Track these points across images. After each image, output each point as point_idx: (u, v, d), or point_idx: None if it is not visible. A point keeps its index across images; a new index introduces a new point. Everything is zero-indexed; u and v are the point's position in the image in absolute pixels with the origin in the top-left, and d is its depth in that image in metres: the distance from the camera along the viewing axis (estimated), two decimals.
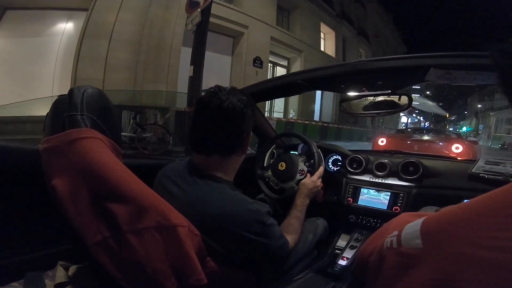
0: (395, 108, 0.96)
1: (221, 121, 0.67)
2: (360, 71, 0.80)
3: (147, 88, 6.57)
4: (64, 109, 0.61)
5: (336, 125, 11.46)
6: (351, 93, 1.01)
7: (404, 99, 0.88)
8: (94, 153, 0.55)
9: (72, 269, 0.66)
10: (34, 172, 0.61)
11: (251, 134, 0.76)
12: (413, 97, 0.93)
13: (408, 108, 0.89)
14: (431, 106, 27.69)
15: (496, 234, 0.23)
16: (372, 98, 0.98)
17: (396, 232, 0.32)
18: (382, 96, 0.97)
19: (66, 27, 6.65)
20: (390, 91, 0.89)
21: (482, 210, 0.25)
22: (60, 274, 0.64)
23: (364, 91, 0.96)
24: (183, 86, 6.08)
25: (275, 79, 1.11)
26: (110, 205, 0.52)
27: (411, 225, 0.30)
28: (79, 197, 0.54)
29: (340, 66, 0.89)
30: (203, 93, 0.71)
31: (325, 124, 10.88)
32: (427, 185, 1.09)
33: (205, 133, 0.68)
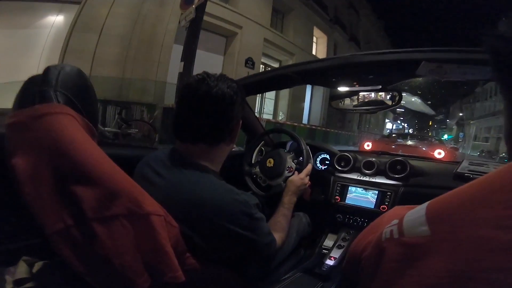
0: (388, 103, 0.95)
1: (209, 108, 0.62)
2: (352, 64, 0.79)
3: (135, 84, 6.42)
4: (37, 84, 0.54)
5: (324, 128, 11.61)
6: (342, 89, 1.00)
7: (394, 94, 0.87)
8: (63, 130, 0.48)
9: (38, 265, 0.59)
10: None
11: (240, 123, 0.72)
12: (405, 95, 0.92)
13: (398, 104, 0.89)
14: (418, 104, 28.15)
15: None
16: (361, 97, 0.98)
17: (396, 221, 0.28)
18: (372, 94, 0.97)
19: (56, 19, 6.48)
20: (380, 86, 0.88)
21: (496, 187, 0.22)
22: (21, 269, 0.56)
23: (355, 86, 0.95)
24: (172, 84, 5.99)
25: (268, 71, 1.09)
26: (75, 188, 0.46)
27: (414, 211, 0.27)
28: (40, 177, 0.47)
29: (332, 59, 0.87)
30: (189, 79, 0.66)
31: (313, 127, 10.99)
32: (414, 184, 1.09)
33: (192, 120, 0.63)
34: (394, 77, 0.86)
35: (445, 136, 27.51)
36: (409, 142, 5.54)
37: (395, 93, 0.86)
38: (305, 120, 12.48)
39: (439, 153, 4.58)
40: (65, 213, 0.46)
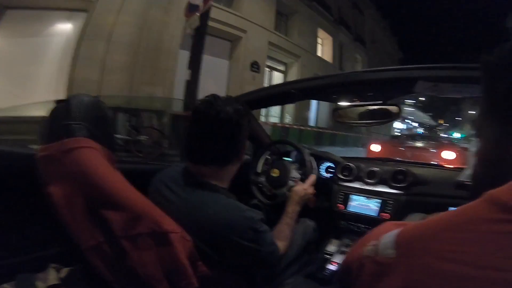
0: (387, 117, 0.98)
1: (217, 133, 0.68)
2: (352, 82, 0.82)
3: (143, 90, 6.55)
4: (60, 116, 0.63)
5: (331, 131, 11.54)
6: (343, 103, 1.03)
7: (394, 109, 0.91)
8: (90, 163, 0.58)
9: (64, 272, 0.68)
10: (25, 175, 0.63)
11: (247, 144, 0.77)
12: (406, 108, 0.95)
13: (398, 119, 0.92)
14: (422, 117, 28.74)
15: (454, 248, 0.25)
16: (363, 110, 1.01)
17: (374, 242, 0.34)
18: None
19: (65, 27, 6.62)
20: (381, 101, 0.91)
21: (446, 226, 0.27)
22: (52, 276, 0.65)
23: (355, 101, 0.98)
24: (180, 89, 6.07)
25: (270, 88, 1.14)
26: (104, 212, 0.55)
27: (388, 235, 0.32)
28: (74, 203, 0.57)
29: (333, 77, 0.91)
30: (198, 102, 0.72)
31: (320, 130, 10.93)
32: (415, 192, 1.12)
33: (202, 144, 0.70)
34: (393, 94, 0.90)
35: (456, 135, 26.94)
36: (418, 144, 5.44)
37: (395, 107, 0.90)
38: (312, 122, 12.44)
39: (449, 155, 4.51)
40: (96, 232, 0.56)
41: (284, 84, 1.06)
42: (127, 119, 4.65)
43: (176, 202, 0.69)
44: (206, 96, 0.72)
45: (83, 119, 0.63)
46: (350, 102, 1.00)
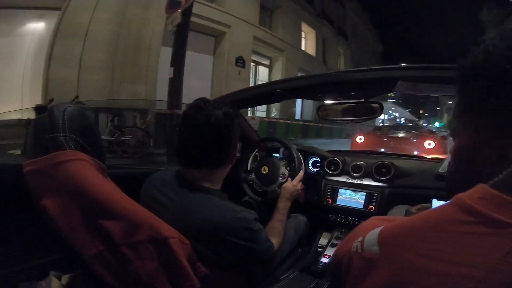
0: (370, 114, 1.01)
1: (208, 137, 0.68)
2: (335, 83, 0.85)
3: (125, 88, 6.38)
4: (44, 129, 0.61)
5: (316, 124, 11.73)
6: (328, 101, 1.06)
7: (376, 107, 0.94)
8: (82, 175, 0.58)
9: (65, 278, 0.68)
10: (18, 186, 0.62)
11: (237, 146, 0.78)
12: (389, 104, 0.98)
13: (379, 116, 0.96)
14: (404, 112, 30.45)
15: (429, 246, 0.28)
16: (347, 106, 1.04)
17: (360, 238, 0.36)
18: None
19: (37, 27, 6.32)
20: (363, 100, 0.94)
21: (422, 225, 0.30)
22: (54, 284, 0.65)
23: (339, 100, 1.01)
24: (162, 86, 5.95)
25: (256, 87, 1.15)
26: (103, 222, 0.56)
27: (372, 233, 0.35)
28: (71, 216, 0.57)
29: (317, 77, 0.93)
30: (187, 107, 0.71)
31: (306, 123, 11.07)
32: (398, 185, 1.17)
33: (193, 148, 0.70)
34: (375, 92, 0.93)
35: (436, 124, 28.11)
36: (401, 134, 5.64)
37: (377, 105, 0.93)
38: (298, 115, 12.57)
39: (429, 144, 4.70)
40: (96, 241, 0.56)
41: (270, 83, 1.07)
42: (109, 119, 4.51)
43: (170, 206, 0.70)
44: (195, 100, 0.72)
45: (69, 130, 0.61)
46: (334, 100, 1.03)
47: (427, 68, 0.74)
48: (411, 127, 7.54)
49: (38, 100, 5.61)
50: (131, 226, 0.56)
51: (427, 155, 3.24)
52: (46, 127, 0.61)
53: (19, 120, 4.71)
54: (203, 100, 0.71)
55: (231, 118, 0.70)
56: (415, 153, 4.47)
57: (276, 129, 9.00)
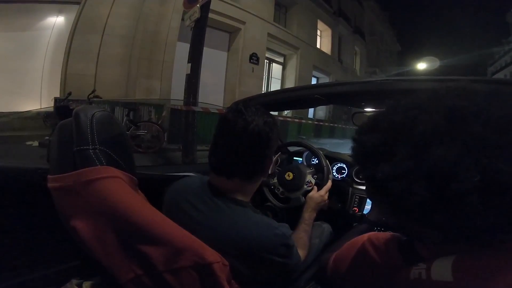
0: None
1: (246, 145, 0.64)
2: (385, 91, 0.76)
3: (141, 83, 6.44)
4: (70, 137, 0.55)
5: (329, 124, 11.54)
6: (367, 109, 0.99)
7: None
8: (118, 196, 0.53)
9: (86, 285, 0.65)
10: (37, 191, 0.58)
11: (273, 158, 0.73)
12: None
13: None
14: None
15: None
16: None
17: (424, 266, 0.38)
18: None
19: (57, 21, 6.45)
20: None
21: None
22: None
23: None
24: (178, 82, 5.97)
25: (289, 90, 1.08)
26: (141, 247, 0.51)
27: (441, 264, 0.36)
28: (106, 239, 0.52)
29: (362, 83, 0.85)
30: (226, 110, 0.68)
31: (319, 123, 10.91)
32: None
33: (228, 156, 0.65)
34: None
35: None
36: None
37: None
38: (310, 114, 12.40)
39: None
40: (134, 265, 0.52)
41: (306, 87, 1.00)
42: (125, 113, 4.55)
43: (201, 221, 0.65)
44: (233, 104, 0.68)
45: (98, 142, 0.55)
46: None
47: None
48: None
49: (56, 93, 5.74)
50: (174, 251, 0.52)
51: None
52: (72, 136, 0.54)
53: (38, 113, 4.84)
54: (244, 104, 0.66)
55: (271, 127, 0.65)
56: None
57: (289, 128, 8.90)
